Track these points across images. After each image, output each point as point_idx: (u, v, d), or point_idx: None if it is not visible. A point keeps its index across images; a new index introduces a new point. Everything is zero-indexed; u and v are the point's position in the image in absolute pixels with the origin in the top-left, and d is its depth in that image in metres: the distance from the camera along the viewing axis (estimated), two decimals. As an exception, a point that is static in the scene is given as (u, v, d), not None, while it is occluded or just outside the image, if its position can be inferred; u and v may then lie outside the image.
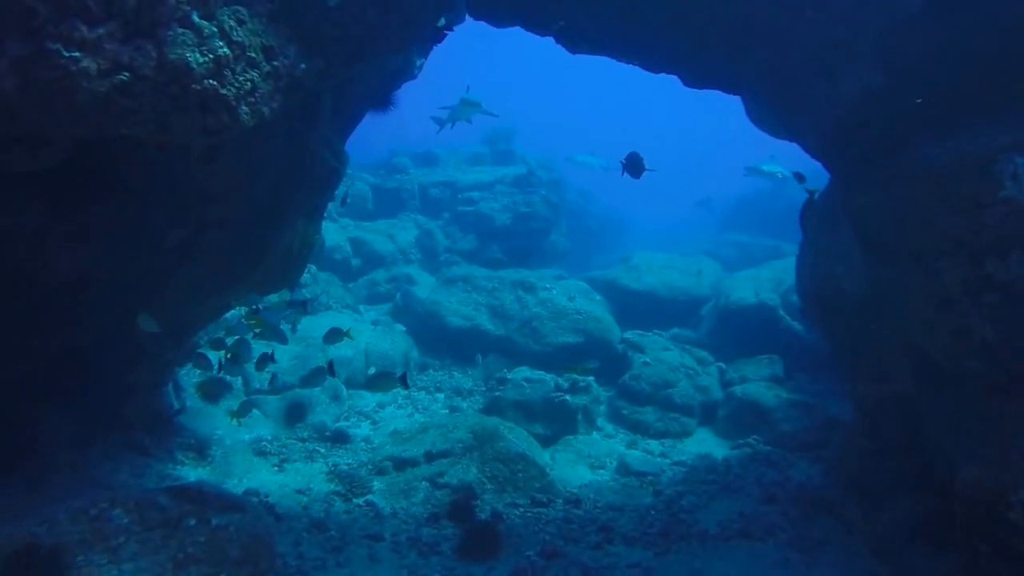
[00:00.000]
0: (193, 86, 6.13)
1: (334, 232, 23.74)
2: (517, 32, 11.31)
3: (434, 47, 13.60)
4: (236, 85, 6.50)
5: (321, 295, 19.60)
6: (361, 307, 21.24)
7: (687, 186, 47.50)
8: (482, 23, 11.46)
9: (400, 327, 19.52)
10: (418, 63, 13.34)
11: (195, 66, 6.10)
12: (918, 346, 8.47)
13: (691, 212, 41.77)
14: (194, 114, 6.27)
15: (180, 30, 6.07)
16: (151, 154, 7.79)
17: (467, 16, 14.59)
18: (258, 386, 14.69)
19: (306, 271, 19.44)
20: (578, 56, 11.23)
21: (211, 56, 6.19)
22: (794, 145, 11.21)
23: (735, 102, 11.87)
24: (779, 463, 12.95)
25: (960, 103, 8.27)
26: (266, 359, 12.13)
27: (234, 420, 12.46)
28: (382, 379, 10.86)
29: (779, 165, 18.57)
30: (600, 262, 29.71)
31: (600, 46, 10.73)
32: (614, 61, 11.01)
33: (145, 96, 5.97)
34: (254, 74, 6.72)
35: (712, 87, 11.10)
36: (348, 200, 26.38)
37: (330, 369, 10.41)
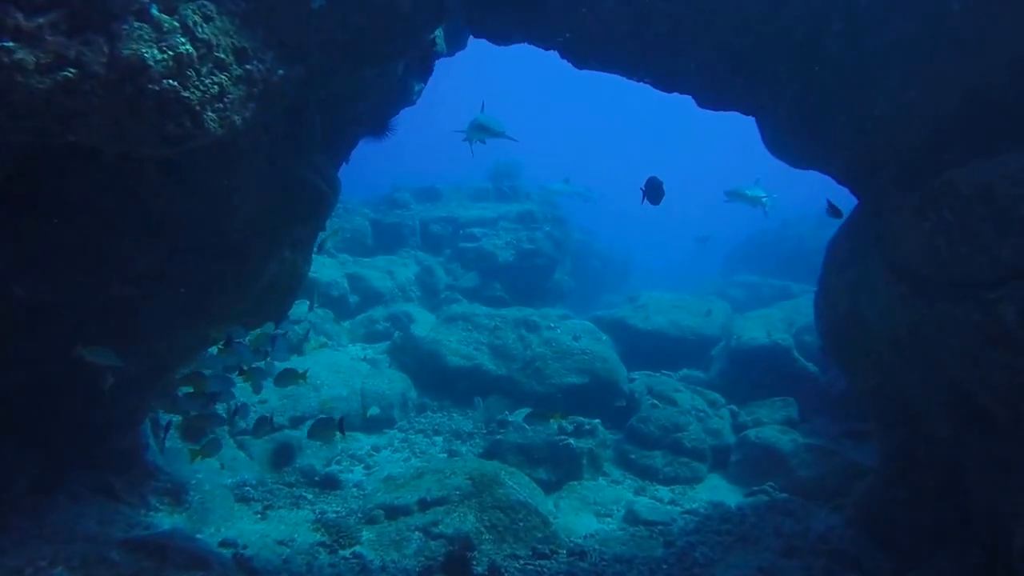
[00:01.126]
0: (150, 86, 5.40)
1: (331, 268, 23.02)
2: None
3: (431, 75, 13.00)
4: (201, 88, 5.77)
5: (310, 331, 18.82)
6: (358, 345, 20.46)
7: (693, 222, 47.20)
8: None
9: (398, 366, 18.70)
10: (416, 88, 12.68)
11: (152, 63, 5.37)
12: (961, 387, 7.63)
13: (693, 250, 41.55)
14: (152, 118, 5.52)
15: (136, 24, 5.36)
16: (115, 170, 7.12)
17: (469, 39, 14.11)
18: (244, 426, 13.86)
19: (310, 308, 18.94)
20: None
21: (171, 53, 5.46)
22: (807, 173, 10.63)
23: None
24: (797, 512, 12.11)
25: (1007, 116, 7.56)
26: (241, 410, 11.44)
27: (216, 462, 11.77)
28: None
29: (762, 189, 17.33)
30: (606, 301, 29.20)
31: (608, 61, 9.97)
32: (621, 86, 10.39)
33: (94, 96, 5.24)
34: (223, 77, 5.99)
35: (729, 108, 10.37)
36: (345, 235, 25.88)
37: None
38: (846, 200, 10.50)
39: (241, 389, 10.02)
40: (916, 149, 8.31)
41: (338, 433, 14.72)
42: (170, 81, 5.50)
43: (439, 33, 12.20)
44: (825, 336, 11.04)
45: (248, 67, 6.27)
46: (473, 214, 28.00)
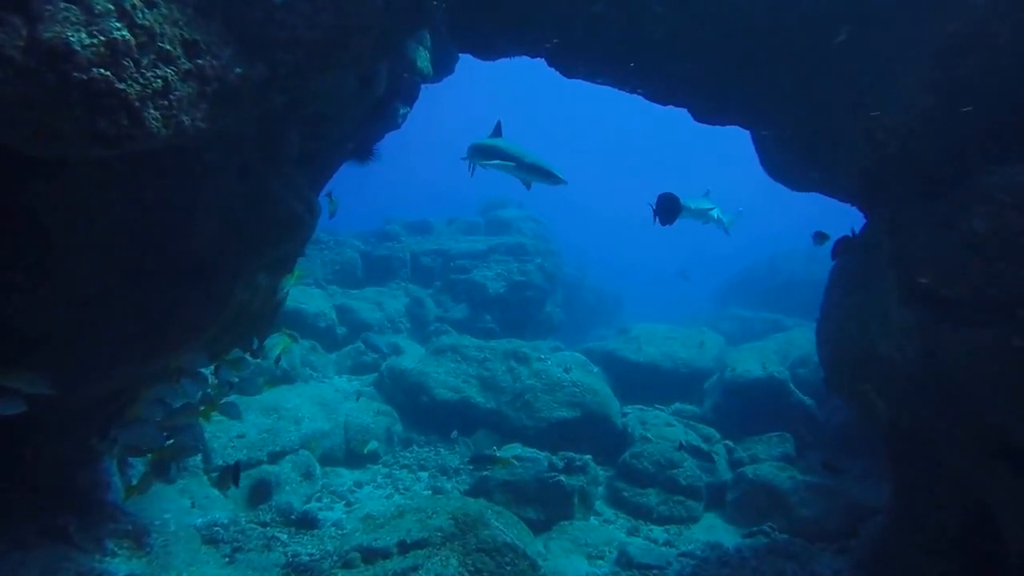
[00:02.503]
0: (76, 75, 4.56)
1: (319, 299, 22.18)
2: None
3: (417, 99, 12.25)
4: (141, 82, 4.94)
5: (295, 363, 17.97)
6: (344, 377, 19.57)
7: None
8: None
9: (384, 399, 17.81)
10: (401, 112, 11.94)
11: (79, 48, 4.54)
12: (991, 420, 6.76)
13: (676, 286, 41.14)
14: (80, 113, 4.68)
15: (62, 4, 4.55)
16: (58, 179, 6.28)
17: (456, 64, 13.40)
18: (220, 463, 12.95)
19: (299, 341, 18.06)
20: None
21: (102, 39, 4.64)
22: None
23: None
24: (800, 555, 11.24)
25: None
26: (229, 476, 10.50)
27: (187, 500, 10.89)
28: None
29: (712, 203, 15.45)
30: (596, 335, 28.46)
31: (598, 70, 9.17)
32: (611, 96, 9.56)
33: (8, 86, 4.42)
34: (168, 71, 5.15)
35: (726, 122, 9.56)
36: (335, 267, 25.19)
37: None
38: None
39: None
40: (935, 158, 7.46)
41: (318, 467, 14.04)
42: (101, 70, 4.66)
43: (424, 55, 11.48)
44: (829, 366, 10.12)
45: (200, 62, 5.45)
46: (464, 246, 27.27)
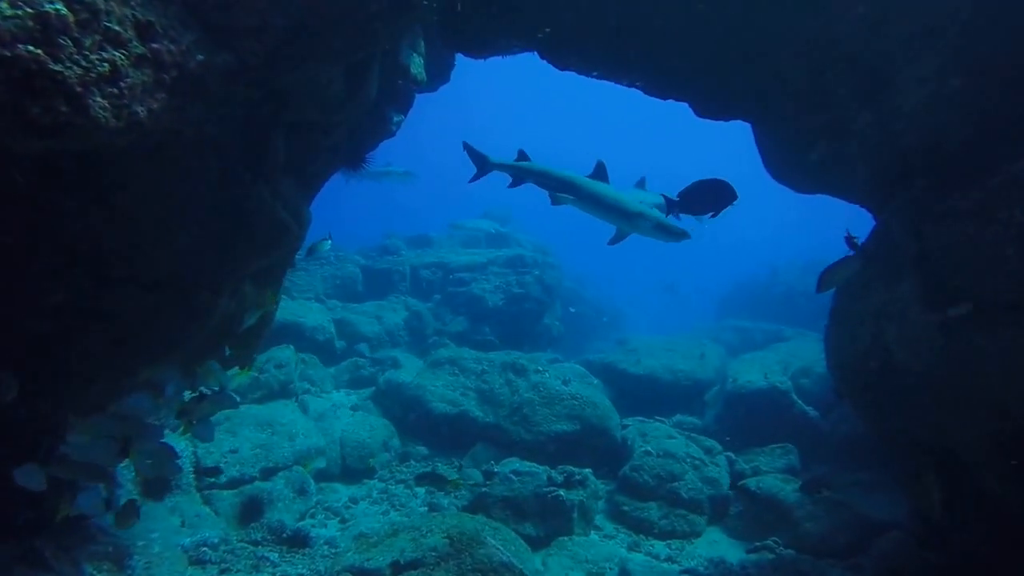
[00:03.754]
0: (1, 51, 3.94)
1: (318, 312, 21.56)
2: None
3: (411, 106, 11.66)
4: (83, 64, 4.29)
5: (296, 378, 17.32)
6: (342, 391, 18.94)
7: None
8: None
9: (382, 412, 17.16)
10: (395, 119, 11.33)
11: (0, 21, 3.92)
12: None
13: (664, 300, 40.73)
14: (6, 98, 4.06)
15: (-14, -27, 3.93)
16: (17, 182, 5.64)
17: (452, 72, 12.84)
18: (212, 479, 12.30)
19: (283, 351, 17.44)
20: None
21: (31, 11, 4.00)
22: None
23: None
24: (808, 572, 10.57)
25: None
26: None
27: (176, 520, 10.29)
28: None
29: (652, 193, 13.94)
30: (596, 347, 27.85)
31: (592, 62, 8.49)
32: (604, 89, 8.86)
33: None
34: (117, 55, 4.50)
35: (729, 116, 8.88)
36: (336, 282, 24.66)
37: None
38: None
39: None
40: (960, 147, 6.77)
41: (312, 483, 13.40)
42: (29, 47, 4.03)
43: (418, 61, 10.89)
44: (839, 374, 9.41)
45: (155, 47, 4.79)
46: (463, 259, 26.61)
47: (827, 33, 7.57)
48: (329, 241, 12.32)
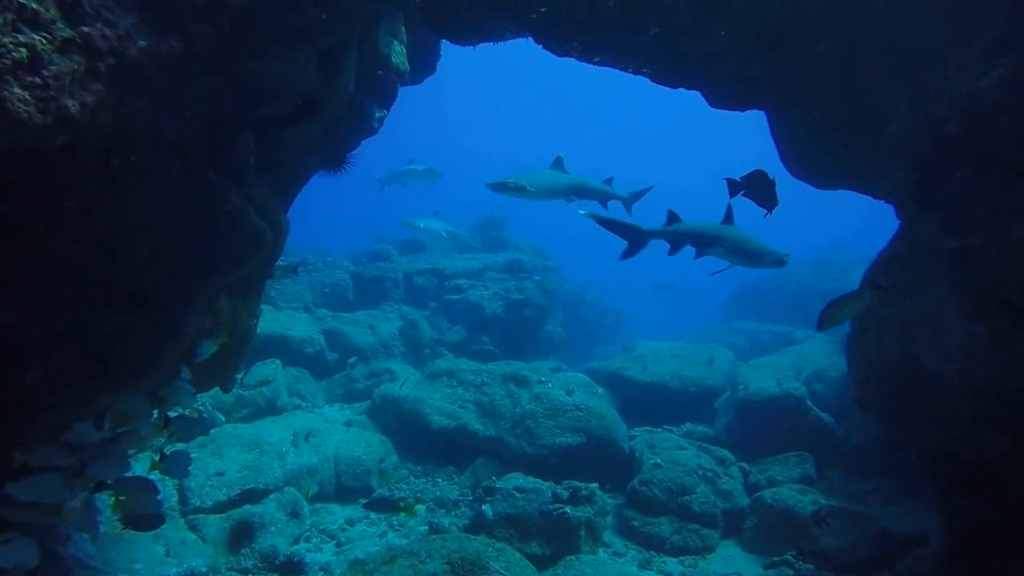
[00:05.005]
0: None
1: (306, 323, 21.17)
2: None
3: (394, 100, 11.26)
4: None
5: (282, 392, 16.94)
6: (335, 406, 18.58)
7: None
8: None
9: (378, 427, 16.81)
10: (377, 115, 10.93)
11: None
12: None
13: (654, 298, 40.45)
14: None
15: None
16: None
17: (438, 62, 12.49)
18: (198, 503, 11.94)
19: (271, 366, 17.09)
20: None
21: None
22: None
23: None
24: (831, 591, 10.22)
25: None
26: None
27: (160, 548, 9.91)
28: None
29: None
30: (600, 352, 27.58)
31: (594, 46, 8.04)
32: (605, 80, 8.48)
33: None
34: (37, 38, 4.06)
35: (747, 105, 8.45)
36: (325, 290, 24.28)
37: None
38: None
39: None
40: (1012, 138, 6.30)
41: (306, 505, 13.03)
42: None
43: (400, 50, 10.51)
44: (862, 384, 9.03)
45: (85, 29, 4.37)
46: (459, 265, 26.24)
47: (860, 10, 7.14)
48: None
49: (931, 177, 7.28)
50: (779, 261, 8.99)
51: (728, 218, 9.14)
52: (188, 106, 6.45)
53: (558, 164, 11.35)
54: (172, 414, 8.70)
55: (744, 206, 8.46)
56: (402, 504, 10.58)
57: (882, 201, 8.73)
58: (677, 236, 9.36)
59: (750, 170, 8.21)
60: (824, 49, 7.52)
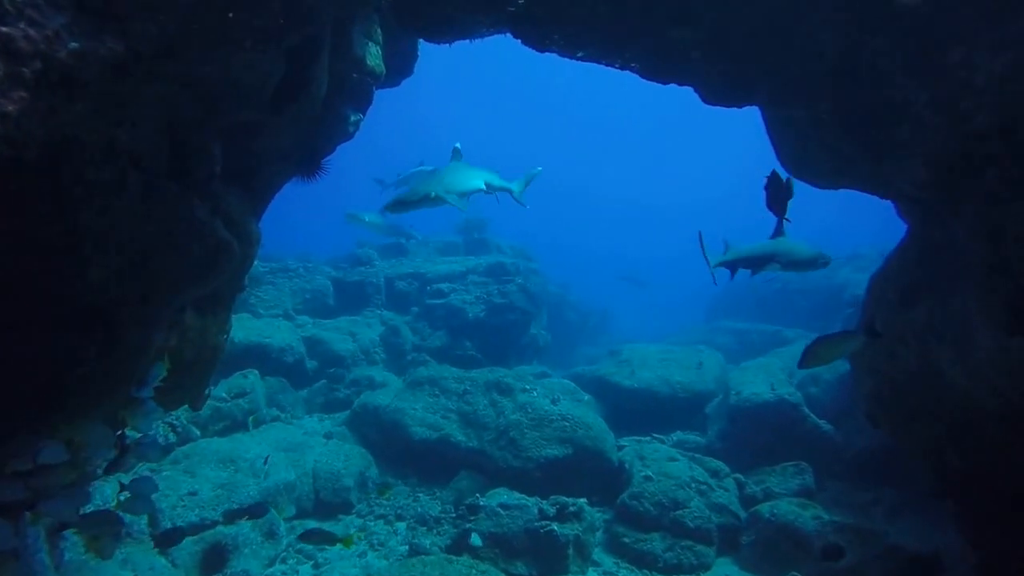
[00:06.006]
0: None
1: (286, 331, 20.54)
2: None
3: (371, 104, 10.76)
4: None
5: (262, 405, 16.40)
6: (315, 416, 18.02)
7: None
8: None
9: (358, 439, 16.28)
10: (352, 119, 10.41)
11: None
12: None
13: (620, 290, 40.41)
14: None
15: None
16: None
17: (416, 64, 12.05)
18: (169, 525, 11.38)
19: (246, 376, 16.55)
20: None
21: None
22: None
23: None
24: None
25: None
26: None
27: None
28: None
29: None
30: (585, 355, 27.22)
31: (578, 38, 7.43)
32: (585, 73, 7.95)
33: None
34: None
35: (745, 101, 7.89)
36: (305, 296, 23.77)
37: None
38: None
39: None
40: None
41: (282, 524, 12.50)
42: None
43: (375, 51, 9.98)
44: (873, 399, 8.50)
45: (5, 30, 3.84)
46: (441, 269, 25.67)
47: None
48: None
49: (957, 176, 6.70)
50: (826, 262, 9.02)
51: (778, 231, 8.93)
52: (144, 114, 5.90)
53: (456, 155, 10.77)
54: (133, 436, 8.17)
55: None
56: (339, 537, 10.08)
57: (888, 200, 8.24)
58: (737, 263, 9.39)
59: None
60: (832, 38, 6.96)
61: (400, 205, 9.83)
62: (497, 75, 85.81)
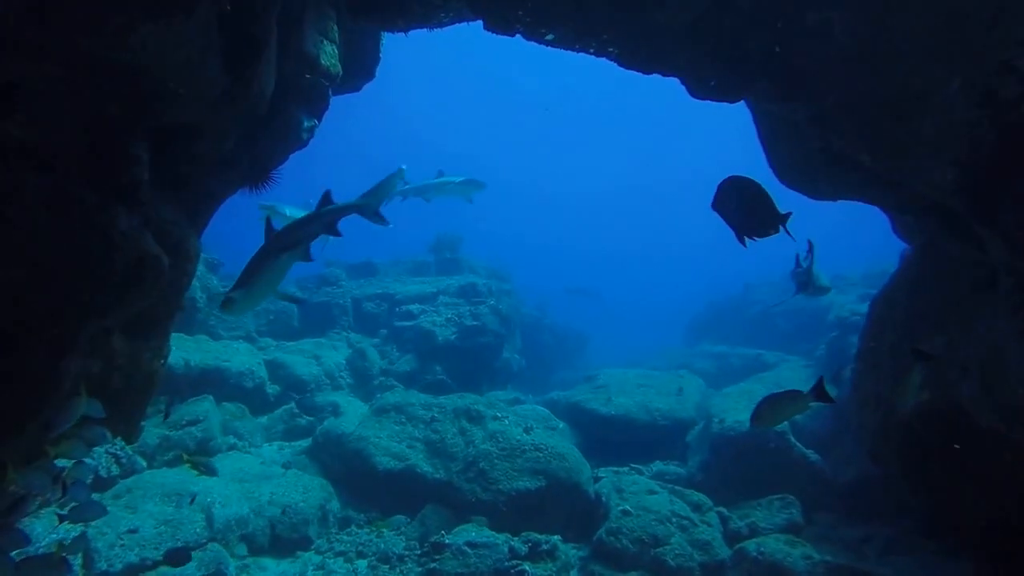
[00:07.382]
0: None
1: (246, 354, 19.63)
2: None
3: (327, 109, 10.02)
4: None
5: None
6: (275, 444, 17.11)
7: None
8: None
9: (320, 469, 15.39)
10: (306, 124, 9.65)
11: None
12: None
13: (566, 301, 40.27)
14: None
15: None
16: None
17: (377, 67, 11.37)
18: (105, 567, 10.48)
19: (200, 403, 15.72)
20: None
21: None
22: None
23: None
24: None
25: None
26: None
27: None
28: None
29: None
30: (561, 379, 26.42)
31: (546, 19, 6.60)
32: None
33: None
34: None
35: (737, 94, 7.12)
36: (269, 317, 22.97)
37: None
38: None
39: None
40: None
41: (231, 562, 11.64)
42: None
43: (330, 50, 9.22)
44: (880, 436, 7.75)
45: None
46: (411, 289, 24.98)
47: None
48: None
49: (995, 176, 5.86)
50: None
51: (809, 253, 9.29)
52: (46, 106, 5.10)
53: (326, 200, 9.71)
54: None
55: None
56: None
57: (889, 214, 7.50)
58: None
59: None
60: (844, 20, 6.17)
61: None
62: (490, 83, 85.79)
